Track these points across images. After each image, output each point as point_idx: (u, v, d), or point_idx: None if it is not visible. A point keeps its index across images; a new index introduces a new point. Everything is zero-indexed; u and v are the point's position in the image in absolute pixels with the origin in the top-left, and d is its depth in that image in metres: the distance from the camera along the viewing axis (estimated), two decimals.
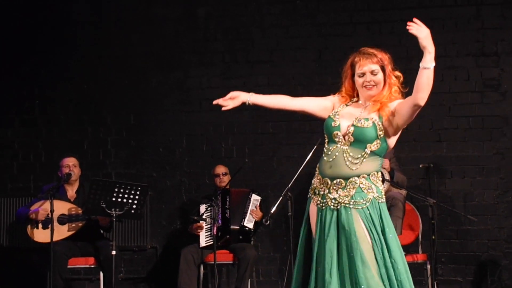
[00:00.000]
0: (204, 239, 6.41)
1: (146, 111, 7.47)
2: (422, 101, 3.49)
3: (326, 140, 3.72)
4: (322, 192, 3.65)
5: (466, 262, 6.96)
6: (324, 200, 3.63)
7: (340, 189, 3.58)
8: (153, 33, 7.53)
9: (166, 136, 7.43)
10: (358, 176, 3.57)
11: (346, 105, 3.75)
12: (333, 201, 3.59)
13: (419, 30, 3.44)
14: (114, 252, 5.75)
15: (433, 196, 6.46)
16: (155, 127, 7.45)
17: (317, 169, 3.75)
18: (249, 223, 6.52)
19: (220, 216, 6.45)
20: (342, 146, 3.61)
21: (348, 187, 3.57)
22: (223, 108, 3.90)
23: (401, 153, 6.77)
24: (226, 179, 6.65)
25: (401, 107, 3.58)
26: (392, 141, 3.67)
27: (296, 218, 6.07)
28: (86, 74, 7.52)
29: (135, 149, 7.46)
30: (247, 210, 6.53)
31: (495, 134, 7.03)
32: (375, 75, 3.65)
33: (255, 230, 6.57)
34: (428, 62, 3.44)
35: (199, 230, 6.44)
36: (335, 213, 3.59)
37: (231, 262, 6.48)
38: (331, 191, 3.60)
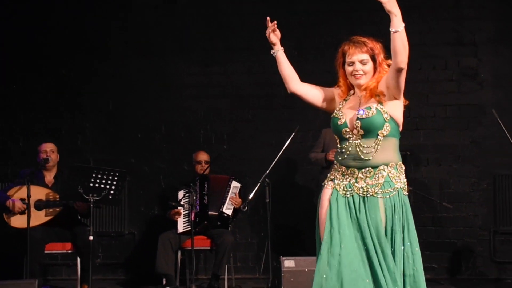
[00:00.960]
0: (182, 225, 6.42)
1: (125, 97, 7.45)
2: (403, 64, 3.48)
3: (338, 140, 3.70)
4: (346, 182, 3.62)
5: (441, 249, 7.05)
6: (350, 189, 3.60)
7: (368, 178, 3.56)
8: (133, 19, 7.49)
9: (145, 123, 7.42)
10: (387, 165, 3.56)
11: (345, 100, 3.73)
12: (361, 189, 3.57)
13: None
14: (91, 238, 5.74)
15: (410, 184, 6.44)
16: (133, 113, 7.43)
17: (335, 163, 3.71)
18: (228, 209, 6.53)
19: (198, 202, 6.46)
20: (354, 141, 3.60)
21: (377, 175, 3.55)
22: (268, 30, 3.80)
23: None
24: (206, 166, 6.65)
25: (388, 81, 3.58)
26: (399, 117, 3.64)
27: (273, 204, 6.12)
28: (64, 60, 7.47)
29: (113, 135, 7.44)
30: (227, 197, 6.54)
31: (472, 123, 7.11)
32: (364, 64, 3.63)
33: (234, 216, 6.60)
34: (397, 25, 3.44)
35: (177, 216, 6.45)
36: (361, 200, 3.57)
37: (208, 248, 6.50)
38: (358, 180, 3.58)
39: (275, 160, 5.91)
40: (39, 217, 6.05)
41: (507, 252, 6.90)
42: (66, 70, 7.49)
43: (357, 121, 3.57)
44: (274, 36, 3.82)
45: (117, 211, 7.26)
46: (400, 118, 3.64)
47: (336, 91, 3.78)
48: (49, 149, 6.35)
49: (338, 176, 3.66)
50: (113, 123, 7.45)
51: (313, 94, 3.80)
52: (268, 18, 3.81)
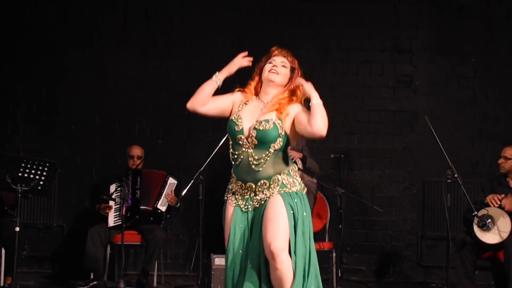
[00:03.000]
0: (112, 219, 6.33)
1: (59, 86, 7.29)
2: (325, 132, 3.62)
3: (231, 143, 3.78)
4: (246, 196, 3.72)
5: (370, 251, 7.15)
6: (250, 203, 3.72)
7: (265, 189, 3.68)
8: (71, 8, 7.33)
9: (79, 113, 7.28)
10: (280, 174, 3.68)
11: (245, 104, 3.81)
12: (260, 201, 3.69)
13: (302, 80, 3.71)
14: (17, 229, 5.59)
15: (342, 186, 6.59)
16: (67, 103, 7.28)
17: (232, 174, 3.80)
18: (162, 205, 6.48)
19: (130, 196, 6.38)
20: (247, 150, 3.69)
21: (272, 185, 3.67)
22: (240, 61, 3.90)
23: (313, 142, 6.84)
24: (139, 162, 6.57)
25: (299, 121, 3.67)
26: (293, 138, 3.77)
27: (206, 202, 6.09)
28: None
29: (45, 124, 7.27)
30: (162, 193, 6.48)
31: (405, 129, 7.24)
32: (283, 67, 3.79)
33: (167, 213, 6.54)
34: (316, 98, 3.63)
35: (107, 210, 6.35)
36: (258, 210, 3.69)
37: (139, 243, 6.43)
38: (257, 193, 3.69)
39: (210, 157, 5.89)
40: None
41: (433, 257, 7.06)
42: None
43: (254, 130, 3.67)
44: (235, 69, 3.89)
45: (46, 202, 7.09)
46: (292, 140, 3.76)
47: (235, 97, 3.85)
48: None
49: (238, 190, 3.76)
50: (45, 112, 7.28)
51: (213, 110, 3.85)
52: (246, 52, 3.91)
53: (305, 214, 3.69)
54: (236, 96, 3.86)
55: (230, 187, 3.81)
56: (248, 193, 3.72)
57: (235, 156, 3.72)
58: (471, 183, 6.81)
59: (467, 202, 5.73)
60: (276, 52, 3.83)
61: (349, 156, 7.13)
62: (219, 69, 7.61)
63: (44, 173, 5.75)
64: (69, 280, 6.46)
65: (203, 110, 3.84)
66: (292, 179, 3.70)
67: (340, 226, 6.13)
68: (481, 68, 7.23)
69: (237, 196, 3.76)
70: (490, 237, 5.68)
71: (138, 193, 6.45)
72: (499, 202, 5.73)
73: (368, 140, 7.24)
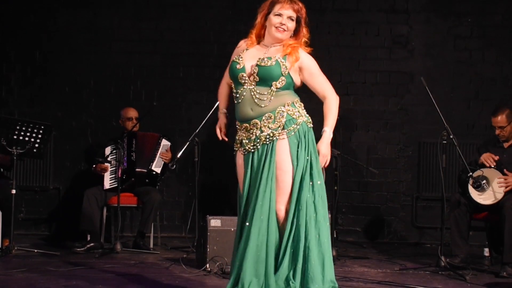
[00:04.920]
0: (108, 182, 6.34)
1: (53, 49, 7.23)
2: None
3: (233, 85, 3.79)
4: (253, 137, 3.71)
5: (365, 213, 7.19)
6: (258, 141, 3.70)
7: (270, 123, 3.67)
8: None
9: (73, 76, 7.24)
10: (283, 105, 3.69)
11: (247, 49, 3.81)
12: (268, 137, 3.68)
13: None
14: (14, 191, 5.61)
15: (338, 148, 6.59)
16: (61, 66, 7.23)
17: (237, 123, 3.80)
18: (157, 167, 6.49)
19: (125, 158, 6.38)
20: (249, 87, 3.70)
21: (278, 117, 3.67)
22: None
23: (308, 104, 6.81)
24: (137, 123, 6.55)
25: (309, 76, 3.76)
26: (298, 80, 3.78)
27: (202, 164, 6.10)
28: None
29: (40, 87, 7.24)
30: (156, 154, 6.48)
31: (401, 90, 7.22)
32: (291, 21, 3.73)
33: (162, 174, 6.56)
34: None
35: (103, 172, 6.36)
36: (265, 147, 3.68)
37: (135, 205, 6.46)
38: (263, 129, 3.68)
39: (205, 119, 5.89)
40: None
41: (427, 218, 7.10)
42: None
43: (256, 67, 3.68)
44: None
45: (41, 165, 7.10)
46: (299, 81, 3.78)
47: (239, 49, 3.85)
48: None
49: (244, 135, 3.76)
50: (40, 75, 7.24)
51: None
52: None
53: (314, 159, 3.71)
54: (239, 48, 3.86)
55: (237, 137, 3.81)
56: (254, 132, 3.71)
57: (237, 95, 3.74)
58: (467, 144, 6.83)
59: (462, 163, 5.73)
60: (284, 4, 3.72)
61: (345, 118, 7.10)
62: (214, 30, 7.58)
63: (40, 136, 5.76)
64: (66, 242, 6.50)
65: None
66: (297, 110, 3.72)
67: (335, 188, 6.14)
68: (478, 29, 7.18)
69: (244, 142, 3.75)
70: (484, 198, 5.69)
71: (134, 155, 6.45)
72: (494, 163, 5.73)
73: (364, 101, 7.23)
